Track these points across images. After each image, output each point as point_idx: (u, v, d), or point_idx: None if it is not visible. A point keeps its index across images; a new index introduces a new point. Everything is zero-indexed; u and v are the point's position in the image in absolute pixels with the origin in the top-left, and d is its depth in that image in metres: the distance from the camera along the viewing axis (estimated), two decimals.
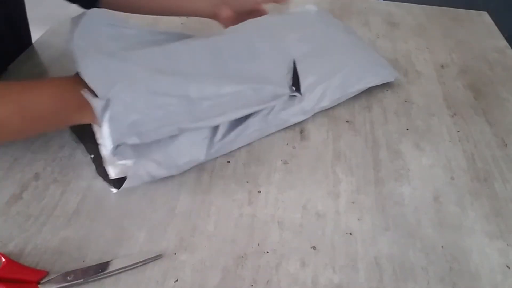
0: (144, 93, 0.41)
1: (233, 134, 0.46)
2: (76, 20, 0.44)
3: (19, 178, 0.45)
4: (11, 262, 0.36)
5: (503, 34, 0.75)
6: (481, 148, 0.52)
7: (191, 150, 0.44)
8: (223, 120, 0.45)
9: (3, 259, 0.36)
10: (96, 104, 0.38)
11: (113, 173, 0.42)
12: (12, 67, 0.60)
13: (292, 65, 0.53)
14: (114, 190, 0.43)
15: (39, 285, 0.35)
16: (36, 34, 0.67)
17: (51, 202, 0.42)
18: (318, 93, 0.52)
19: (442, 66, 0.66)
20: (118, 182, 0.42)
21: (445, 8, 0.83)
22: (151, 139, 0.41)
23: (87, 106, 0.38)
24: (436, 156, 0.50)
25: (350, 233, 0.41)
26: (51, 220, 0.41)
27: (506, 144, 0.53)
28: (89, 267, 0.36)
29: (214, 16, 0.60)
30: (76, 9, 0.73)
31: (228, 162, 0.47)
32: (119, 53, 0.43)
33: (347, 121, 0.54)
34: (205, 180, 0.45)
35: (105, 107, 0.38)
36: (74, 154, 0.47)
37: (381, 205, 0.44)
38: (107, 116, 0.38)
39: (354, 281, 0.38)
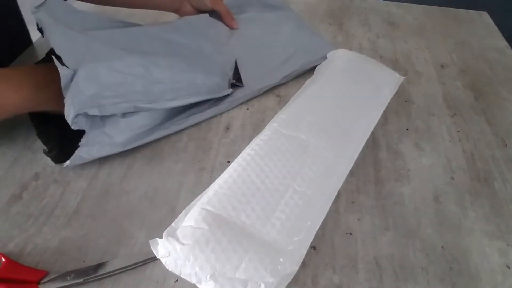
0: (107, 69, 0.44)
1: (177, 118, 0.51)
2: (38, 8, 0.45)
3: (19, 178, 0.45)
4: (11, 262, 0.36)
5: (503, 34, 0.75)
6: (481, 148, 0.52)
7: (140, 129, 0.48)
8: (175, 105, 0.49)
9: (3, 259, 0.36)
10: (63, 72, 0.41)
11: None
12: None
13: (234, 64, 0.58)
14: (65, 163, 0.44)
15: (39, 285, 0.35)
16: (35, 35, 0.67)
17: (51, 202, 0.42)
18: (258, 82, 0.58)
19: (442, 66, 0.66)
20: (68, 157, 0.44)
21: (445, 8, 0.83)
22: (109, 113, 0.44)
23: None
24: (436, 156, 0.50)
25: (350, 233, 0.41)
26: (51, 220, 0.41)
27: (506, 144, 0.53)
28: (89, 267, 0.36)
29: (176, 11, 0.66)
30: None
31: (228, 162, 0.47)
32: (85, 32, 0.46)
33: None
34: (205, 180, 0.45)
35: (71, 76, 0.41)
36: None
37: (381, 205, 0.44)
38: (72, 85, 0.41)
39: (354, 281, 0.38)
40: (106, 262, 0.37)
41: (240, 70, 0.58)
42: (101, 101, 0.43)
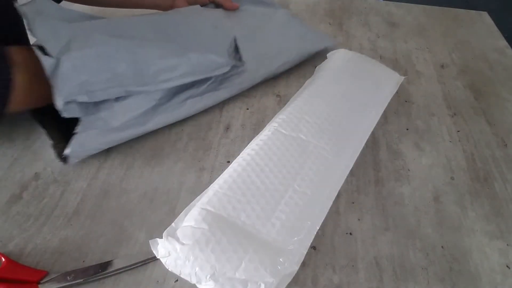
0: (94, 54, 0.43)
1: (175, 100, 0.50)
2: (24, 5, 0.44)
3: (19, 178, 0.45)
4: (11, 262, 0.36)
5: (503, 34, 0.75)
6: (481, 148, 0.52)
7: (135, 111, 0.47)
8: (169, 86, 0.48)
9: (3, 259, 0.36)
10: (46, 61, 0.39)
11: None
12: None
13: (233, 41, 0.56)
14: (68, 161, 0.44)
15: (39, 285, 0.35)
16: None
17: (51, 202, 0.42)
18: (256, 64, 0.56)
19: (442, 66, 0.66)
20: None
21: (445, 8, 0.83)
22: (99, 98, 0.43)
23: None
24: (436, 156, 0.50)
25: (350, 233, 0.41)
26: (51, 220, 0.41)
27: (506, 144, 0.53)
28: (89, 267, 0.36)
29: (171, 9, 0.64)
30: (74, 9, 0.73)
31: (228, 162, 0.47)
32: (70, 23, 0.45)
33: None
34: (205, 180, 0.45)
35: (56, 65, 0.39)
36: None
37: (381, 205, 0.44)
38: (57, 73, 0.40)
39: (354, 281, 0.38)
40: (106, 262, 0.37)
41: (239, 50, 0.56)
42: (89, 87, 0.42)
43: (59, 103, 0.40)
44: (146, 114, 0.47)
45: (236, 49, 0.55)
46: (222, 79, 0.53)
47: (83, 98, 0.42)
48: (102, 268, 0.36)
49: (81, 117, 0.43)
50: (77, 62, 0.41)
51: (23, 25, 0.65)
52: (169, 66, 0.48)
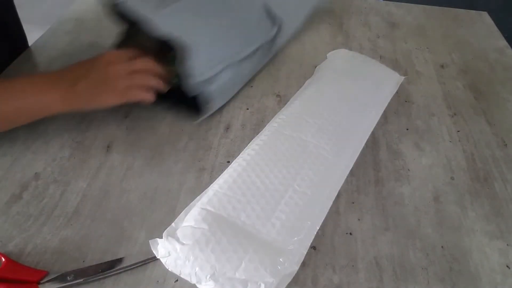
0: (203, 41, 0.52)
1: (248, 63, 0.59)
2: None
3: (19, 178, 0.45)
4: (11, 262, 0.36)
5: (503, 34, 0.75)
6: (481, 148, 0.52)
7: (228, 78, 0.55)
8: (246, 54, 0.57)
9: (3, 259, 0.36)
10: (182, 50, 0.48)
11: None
12: (10, 71, 0.59)
13: (264, 8, 0.64)
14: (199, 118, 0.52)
15: (39, 285, 0.35)
16: (35, 35, 0.66)
17: (51, 202, 0.42)
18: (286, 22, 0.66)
19: (442, 66, 0.66)
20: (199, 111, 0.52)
21: (445, 8, 0.83)
22: (214, 73, 0.52)
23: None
24: (436, 156, 0.50)
25: (350, 233, 0.41)
26: (51, 220, 0.41)
27: (506, 144, 0.53)
28: (89, 267, 0.36)
29: None
30: (74, 8, 0.73)
31: (228, 162, 0.47)
32: (166, 9, 0.52)
33: None
34: (205, 180, 0.45)
35: (187, 51, 0.48)
36: (74, 154, 0.47)
37: (381, 205, 0.44)
38: (189, 57, 0.48)
39: (354, 281, 0.38)
40: (106, 262, 0.37)
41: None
42: (208, 64, 0.51)
43: (191, 83, 0.49)
44: (237, 75, 0.57)
45: (268, 13, 0.64)
46: (268, 44, 0.63)
47: (207, 75, 0.51)
48: (102, 268, 0.36)
49: (201, 93, 0.51)
50: (199, 48, 0.50)
51: (20, 24, 0.65)
52: (241, 40, 0.58)
